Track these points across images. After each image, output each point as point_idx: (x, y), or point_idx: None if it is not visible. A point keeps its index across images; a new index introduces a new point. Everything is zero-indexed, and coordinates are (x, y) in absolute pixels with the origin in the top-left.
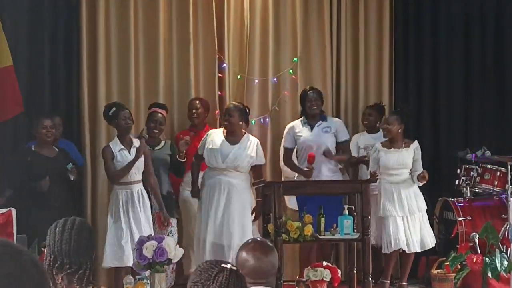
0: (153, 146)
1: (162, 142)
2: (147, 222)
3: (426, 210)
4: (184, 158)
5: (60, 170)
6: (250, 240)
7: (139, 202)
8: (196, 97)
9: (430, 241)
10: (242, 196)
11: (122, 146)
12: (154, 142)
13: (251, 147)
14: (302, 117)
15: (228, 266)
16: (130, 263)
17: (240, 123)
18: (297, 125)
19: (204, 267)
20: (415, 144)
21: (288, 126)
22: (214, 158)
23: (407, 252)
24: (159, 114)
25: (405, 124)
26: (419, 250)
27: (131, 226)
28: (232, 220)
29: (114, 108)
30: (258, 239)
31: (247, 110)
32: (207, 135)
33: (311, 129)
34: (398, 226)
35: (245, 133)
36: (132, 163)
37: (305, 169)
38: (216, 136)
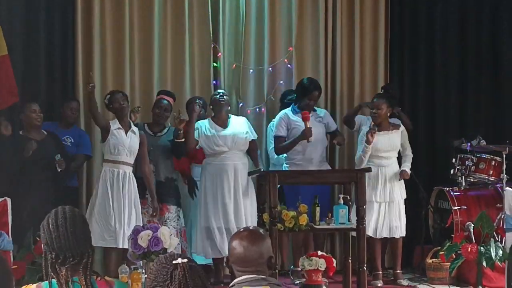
0: (156, 132)
1: (166, 129)
2: (133, 208)
3: (419, 199)
4: (182, 138)
5: (48, 154)
6: (243, 229)
7: (126, 184)
8: (196, 97)
9: (401, 231)
10: (246, 178)
11: (120, 126)
12: (158, 129)
13: (241, 124)
14: (291, 107)
15: (179, 261)
16: (116, 245)
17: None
18: (290, 114)
19: (157, 268)
20: (402, 127)
21: (280, 115)
22: (213, 143)
23: (394, 238)
24: (165, 101)
25: (393, 106)
26: (402, 235)
27: (114, 207)
28: (240, 202)
29: (109, 95)
30: (251, 227)
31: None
32: (197, 129)
33: None
34: (379, 213)
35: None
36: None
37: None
38: (206, 126)
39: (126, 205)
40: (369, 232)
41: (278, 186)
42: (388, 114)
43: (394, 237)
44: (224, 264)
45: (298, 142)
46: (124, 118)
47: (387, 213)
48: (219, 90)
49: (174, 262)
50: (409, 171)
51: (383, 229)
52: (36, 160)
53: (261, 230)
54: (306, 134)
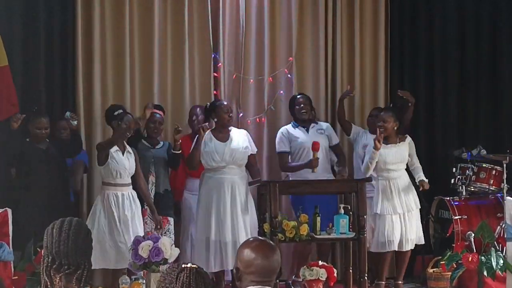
0: (154, 145)
1: (161, 143)
2: (139, 224)
3: (421, 209)
4: (179, 150)
5: (52, 161)
6: (252, 239)
7: (130, 204)
8: (197, 105)
9: (420, 239)
10: (245, 193)
11: (118, 148)
12: (154, 142)
13: (241, 137)
14: (292, 122)
15: (189, 265)
16: (112, 266)
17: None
18: (290, 129)
19: (167, 271)
20: (408, 138)
21: (281, 131)
22: (211, 158)
23: (403, 251)
24: (158, 115)
25: (400, 120)
26: (412, 248)
27: (116, 228)
28: (238, 216)
29: (121, 111)
30: (260, 238)
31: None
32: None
33: (307, 131)
34: (394, 225)
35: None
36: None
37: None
38: (206, 138)
39: (135, 221)
40: (394, 247)
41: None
42: (395, 128)
43: (407, 249)
44: (235, 275)
45: (304, 168)
46: (123, 140)
47: (408, 224)
48: (225, 105)
49: (183, 265)
50: (427, 180)
51: (406, 242)
52: (41, 166)
53: (271, 241)
54: (312, 164)
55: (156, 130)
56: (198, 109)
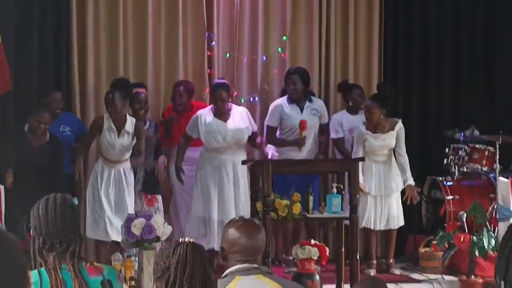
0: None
1: (148, 122)
2: (130, 199)
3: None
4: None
5: (43, 161)
6: (237, 218)
7: (124, 180)
8: (182, 82)
9: (399, 222)
10: (243, 174)
11: (112, 125)
12: (142, 123)
13: (242, 117)
14: (286, 96)
15: (186, 239)
16: (108, 238)
17: (230, 100)
18: (285, 104)
19: (164, 246)
20: (399, 125)
21: (274, 104)
22: (213, 139)
23: (388, 230)
24: (142, 94)
25: (386, 107)
26: (396, 227)
27: (111, 201)
28: (240, 197)
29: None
30: (244, 217)
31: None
32: (198, 117)
33: (301, 111)
34: (376, 206)
35: (230, 105)
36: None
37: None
38: (207, 117)
39: (126, 197)
40: (369, 224)
41: None
42: (382, 116)
43: (390, 228)
44: (220, 254)
45: (290, 145)
46: (119, 117)
47: (384, 205)
48: (222, 83)
49: (180, 240)
50: (413, 183)
51: (381, 221)
52: (33, 164)
53: (256, 221)
54: (299, 143)
55: (142, 109)
56: (182, 88)
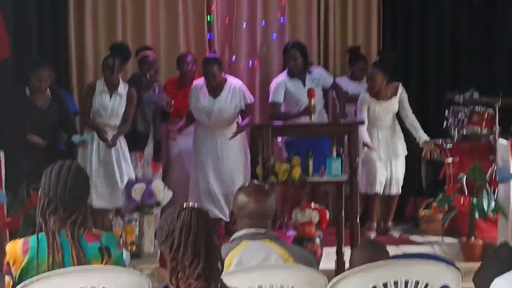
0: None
1: (156, 88)
2: (119, 166)
3: (415, 151)
4: (171, 108)
5: (51, 123)
6: (248, 183)
7: (115, 148)
8: (187, 53)
9: (399, 188)
10: (237, 144)
11: (105, 88)
12: (153, 85)
13: (235, 95)
14: (286, 72)
15: (190, 204)
16: (102, 204)
17: (222, 73)
18: (287, 80)
19: (168, 212)
20: (400, 89)
21: (276, 81)
22: (200, 115)
23: (390, 194)
24: (149, 56)
25: (389, 73)
26: (399, 192)
27: (90, 165)
28: (231, 168)
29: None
30: (255, 182)
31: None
32: (192, 90)
33: (303, 84)
34: (379, 170)
35: (225, 79)
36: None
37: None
38: (199, 91)
39: (122, 164)
40: (379, 189)
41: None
42: (384, 82)
43: (393, 193)
44: (230, 218)
45: (300, 116)
46: (113, 80)
47: (392, 169)
48: (213, 57)
49: (185, 205)
50: (428, 138)
51: (392, 186)
52: (39, 127)
53: (265, 185)
54: (310, 110)
55: (152, 70)
56: (189, 56)
